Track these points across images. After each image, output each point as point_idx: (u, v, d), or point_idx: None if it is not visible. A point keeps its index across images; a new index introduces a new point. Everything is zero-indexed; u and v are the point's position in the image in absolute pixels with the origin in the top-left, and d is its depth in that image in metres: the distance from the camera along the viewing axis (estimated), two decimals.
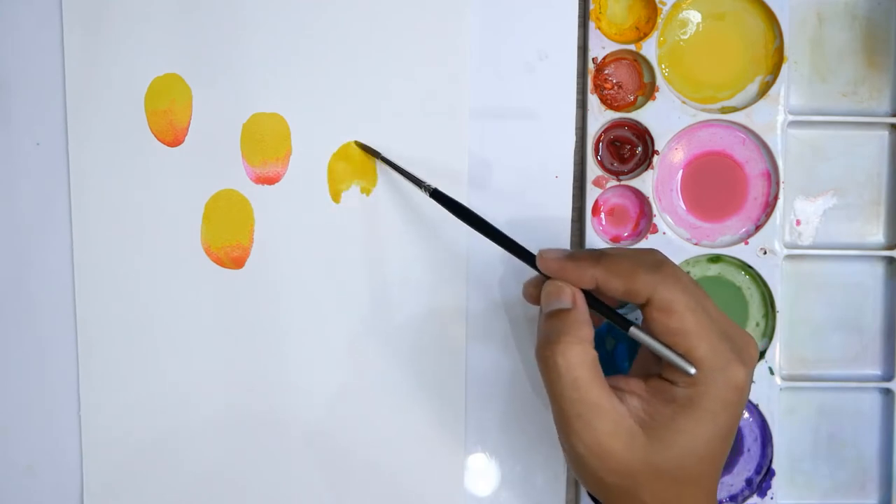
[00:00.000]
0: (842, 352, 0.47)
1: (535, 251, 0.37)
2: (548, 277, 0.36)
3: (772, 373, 0.46)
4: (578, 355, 0.34)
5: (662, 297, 0.33)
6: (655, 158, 0.45)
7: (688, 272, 0.46)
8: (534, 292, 0.38)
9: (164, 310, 0.45)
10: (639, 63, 0.45)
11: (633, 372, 0.38)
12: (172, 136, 0.44)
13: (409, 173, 0.42)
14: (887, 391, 0.46)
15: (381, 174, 0.44)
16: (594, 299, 0.36)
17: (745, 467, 0.47)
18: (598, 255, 0.35)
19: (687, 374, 0.32)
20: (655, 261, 0.35)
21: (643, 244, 0.45)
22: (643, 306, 0.34)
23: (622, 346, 0.46)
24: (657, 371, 0.35)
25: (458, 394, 0.45)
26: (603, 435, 0.33)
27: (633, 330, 0.34)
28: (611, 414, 0.33)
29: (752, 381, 0.35)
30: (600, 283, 0.35)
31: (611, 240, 0.46)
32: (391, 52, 0.44)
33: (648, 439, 0.33)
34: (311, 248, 0.45)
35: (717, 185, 0.46)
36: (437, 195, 0.40)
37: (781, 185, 0.45)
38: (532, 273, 0.38)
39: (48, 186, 0.44)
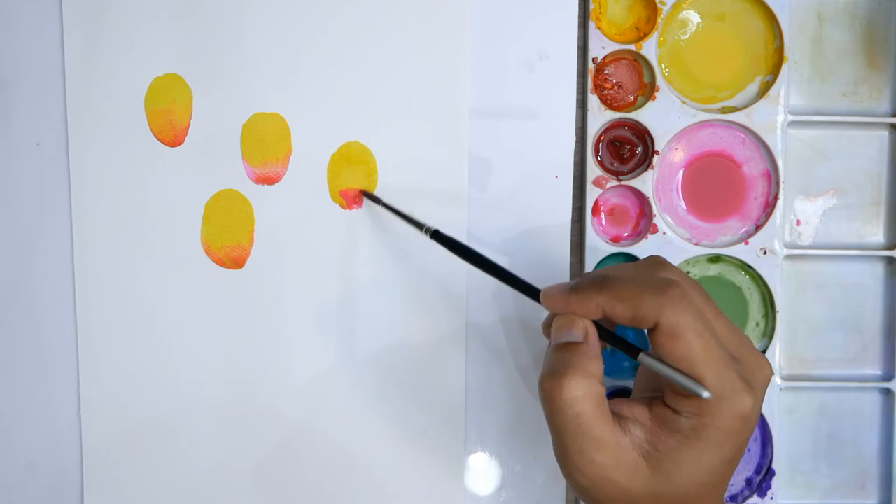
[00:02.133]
0: (842, 352, 0.47)
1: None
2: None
3: (772, 373, 0.46)
4: (584, 390, 0.32)
5: (668, 321, 0.32)
6: (655, 158, 0.45)
7: (688, 272, 0.46)
8: (548, 331, 0.36)
9: (164, 310, 0.45)
10: (639, 63, 0.45)
11: (636, 391, 0.37)
12: (172, 136, 0.44)
13: (409, 217, 0.42)
14: (887, 391, 0.46)
15: (382, 175, 0.44)
16: (601, 329, 0.35)
17: (745, 467, 0.47)
18: (601, 283, 0.33)
19: (700, 397, 0.31)
20: (661, 281, 0.33)
21: (643, 244, 0.45)
22: (650, 331, 0.33)
23: None
24: (660, 394, 0.34)
25: (458, 394, 0.45)
26: (605, 469, 0.33)
27: (642, 356, 0.33)
28: (613, 449, 0.33)
29: (761, 404, 0.33)
30: (606, 312, 0.33)
31: (611, 240, 0.46)
32: (391, 52, 0.44)
33: (652, 471, 0.33)
34: (311, 249, 0.45)
35: (717, 185, 0.46)
36: (437, 236, 0.39)
37: (781, 185, 0.45)
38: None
39: (48, 186, 0.44)
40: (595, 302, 0.33)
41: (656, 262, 0.35)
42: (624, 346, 0.34)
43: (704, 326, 0.32)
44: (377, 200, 0.44)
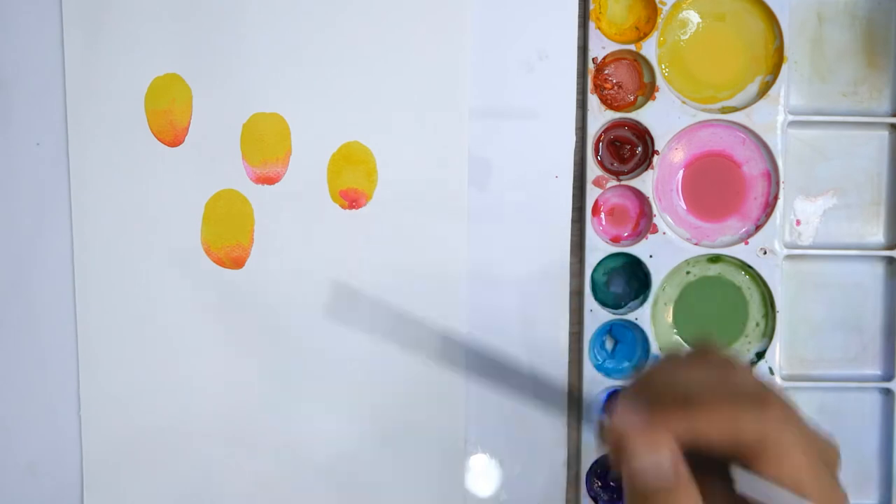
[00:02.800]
0: (842, 352, 0.47)
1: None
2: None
3: (772, 373, 0.46)
4: None
5: (775, 441, 0.27)
6: (655, 158, 0.45)
7: (687, 272, 0.46)
8: (615, 444, 0.29)
9: (163, 309, 0.45)
10: (639, 63, 0.45)
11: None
12: (172, 136, 0.44)
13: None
14: (887, 391, 0.46)
15: (382, 175, 0.44)
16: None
17: None
18: (680, 401, 0.28)
19: None
20: (758, 395, 0.29)
21: (643, 244, 0.45)
22: (746, 455, 0.28)
23: (622, 346, 0.46)
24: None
25: (458, 394, 0.45)
26: None
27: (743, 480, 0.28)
28: None
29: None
30: (695, 439, 0.28)
31: (611, 240, 0.46)
32: (391, 52, 0.44)
33: None
34: (311, 249, 0.45)
35: (717, 185, 0.46)
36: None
37: (781, 185, 0.45)
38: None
39: (48, 186, 0.44)
40: (681, 428, 0.28)
41: (710, 355, 0.30)
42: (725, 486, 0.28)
43: (808, 442, 0.28)
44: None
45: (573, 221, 0.45)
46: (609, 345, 0.46)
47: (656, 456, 0.28)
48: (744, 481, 0.27)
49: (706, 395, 0.29)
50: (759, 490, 0.27)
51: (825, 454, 0.29)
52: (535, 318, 0.45)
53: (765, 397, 0.29)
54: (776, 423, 0.28)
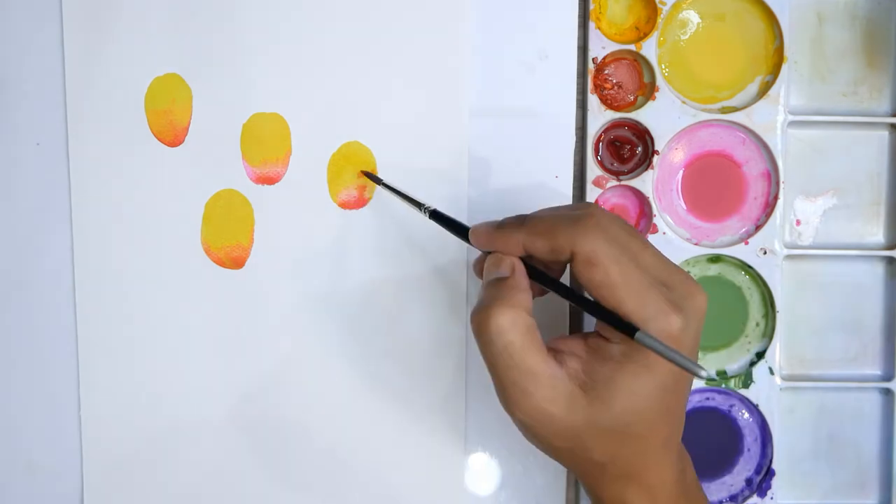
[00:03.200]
0: (842, 352, 0.47)
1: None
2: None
3: (772, 373, 0.46)
4: (510, 320, 0.33)
5: (583, 249, 0.32)
6: (655, 158, 0.45)
7: (687, 272, 0.46)
8: (479, 269, 0.37)
9: (164, 310, 0.45)
10: (639, 63, 0.45)
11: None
12: (172, 136, 0.44)
13: (409, 196, 0.42)
14: (887, 391, 0.46)
15: (382, 174, 0.44)
16: (558, 284, 0.35)
17: (745, 467, 0.47)
18: (522, 220, 0.35)
19: (699, 377, 0.31)
20: (575, 214, 0.33)
21: None
22: (570, 263, 0.33)
23: None
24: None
25: (458, 394, 0.45)
26: (541, 401, 0.33)
27: (639, 335, 0.31)
28: (547, 379, 0.33)
29: (694, 331, 0.33)
30: (527, 248, 0.34)
31: None
32: (391, 52, 0.44)
33: (588, 400, 0.33)
34: (311, 249, 0.45)
35: (717, 185, 0.46)
36: (435, 215, 0.40)
37: (781, 185, 0.45)
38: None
39: (48, 186, 0.44)
40: (516, 238, 0.34)
41: (581, 203, 0.36)
42: (554, 286, 0.35)
43: (621, 252, 0.32)
44: (378, 181, 0.43)
45: None
46: None
47: (498, 256, 0.35)
48: (641, 338, 0.31)
49: (539, 216, 0.34)
50: (645, 341, 0.31)
51: (649, 268, 0.33)
52: (535, 317, 0.45)
53: (586, 217, 0.33)
54: (587, 235, 0.32)
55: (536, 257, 0.34)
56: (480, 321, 0.33)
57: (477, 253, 0.38)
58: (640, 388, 0.33)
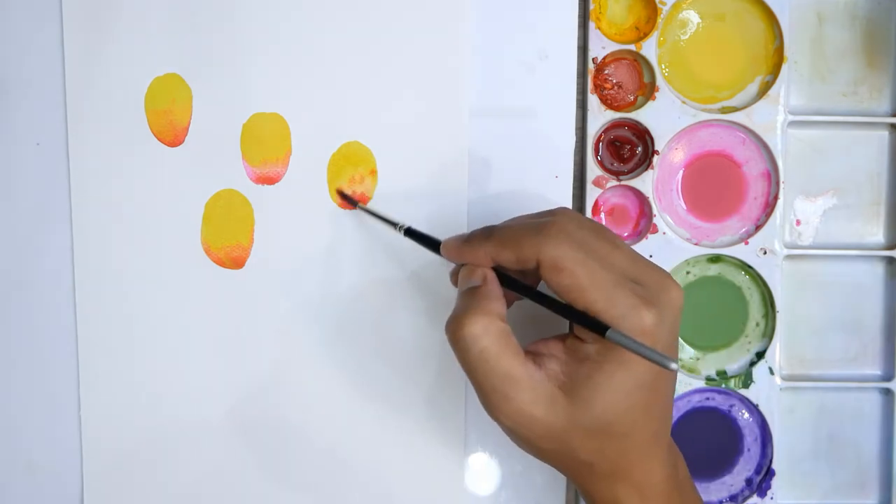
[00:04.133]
0: (842, 352, 0.47)
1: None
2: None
3: (772, 373, 0.46)
4: (483, 327, 0.33)
5: (548, 256, 0.33)
6: (655, 158, 0.45)
7: (687, 272, 0.46)
8: (455, 280, 0.38)
9: (164, 310, 0.45)
10: (639, 63, 0.45)
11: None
12: (172, 136, 0.44)
13: (384, 217, 0.42)
14: (887, 391, 0.46)
15: (382, 175, 0.44)
16: (512, 280, 0.36)
17: (745, 467, 0.47)
18: (489, 230, 0.35)
19: (668, 369, 0.31)
20: (538, 223, 0.34)
21: (643, 244, 0.45)
22: (539, 271, 0.33)
23: None
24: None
25: (457, 394, 0.45)
26: (522, 404, 0.33)
27: (610, 333, 0.32)
28: (526, 382, 0.33)
29: (670, 326, 0.33)
30: (494, 258, 0.35)
31: None
32: (391, 52, 0.44)
33: (569, 401, 0.33)
34: (311, 249, 0.45)
35: (717, 185, 0.46)
36: (410, 233, 0.40)
37: (781, 185, 0.45)
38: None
39: (48, 186, 0.44)
40: (484, 250, 0.35)
41: (549, 210, 0.36)
42: (526, 291, 0.35)
43: (586, 255, 0.33)
44: (354, 203, 0.44)
45: None
46: None
47: (470, 267, 0.36)
48: (611, 335, 0.32)
49: (505, 227, 0.35)
50: (616, 338, 0.31)
51: (618, 267, 0.33)
52: (535, 317, 0.45)
53: (549, 224, 0.34)
54: (550, 242, 0.33)
55: (506, 267, 0.35)
56: (455, 330, 0.34)
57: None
58: (618, 386, 0.33)
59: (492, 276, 0.35)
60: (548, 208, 0.37)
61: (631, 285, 0.33)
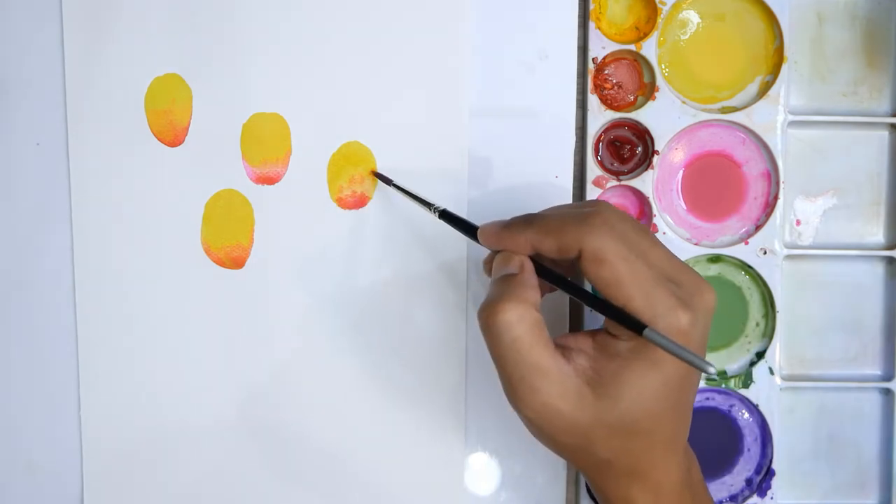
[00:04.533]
0: (842, 352, 0.47)
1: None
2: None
3: (772, 373, 0.46)
4: (518, 315, 0.33)
5: (591, 246, 0.32)
6: (655, 158, 0.45)
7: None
8: (489, 268, 0.37)
9: (164, 310, 0.45)
10: (639, 63, 0.45)
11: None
12: (172, 136, 0.44)
13: (418, 196, 0.41)
14: (887, 391, 0.46)
15: (382, 174, 0.44)
16: (563, 280, 0.35)
17: (745, 467, 0.47)
18: (530, 219, 0.35)
19: (706, 372, 0.31)
20: (583, 212, 0.34)
21: None
22: (579, 261, 0.33)
23: None
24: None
25: (458, 394, 0.45)
26: (549, 397, 0.33)
27: (647, 332, 0.32)
28: (555, 375, 0.33)
29: (703, 328, 0.33)
30: (535, 246, 0.34)
31: None
32: (391, 52, 0.44)
33: (596, 397, 0.33)
34: (311, 249, 0.45)
35: (717, 185, 0.46)
36: (445, 215, 0.40)
37: (781, 185, 0.45)
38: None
39: (48, 186, 0.44)
40: (524, 237, 0.34)
41: (589, 201, 0.36)
42: (562, 283, 0.35)
43: (629, 250, 0.32)
44: (388, 182, 0.43)
45: None
46: None
47: (506, 254, 0.35)
48: (649, 334, 0.31)
49: (547, 215, 0.35)
50: (653, 338, 0.31)
51: (671, 275, 0.33)
52: (559, 310, 0.45)
53: (593, 215, 0.33)
54: (594, 233, 0.32)
55: (545, 255, 0.34)
56: (488, 316, 0.33)
57: (484, 252, 0.38)
58: (647, 385, 0.33)
59: (529, 264, 0.35)
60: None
61: (669, 285, 0.33)
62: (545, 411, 0.33)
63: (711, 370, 0.30)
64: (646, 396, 0.33)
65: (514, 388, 0.33)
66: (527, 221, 0.35)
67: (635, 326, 0.32)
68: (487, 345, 0.34)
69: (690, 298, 0.33)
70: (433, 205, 0.40)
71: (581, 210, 0.34)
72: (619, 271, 0.32)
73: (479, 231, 0.37)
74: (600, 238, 0.32)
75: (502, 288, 0.34)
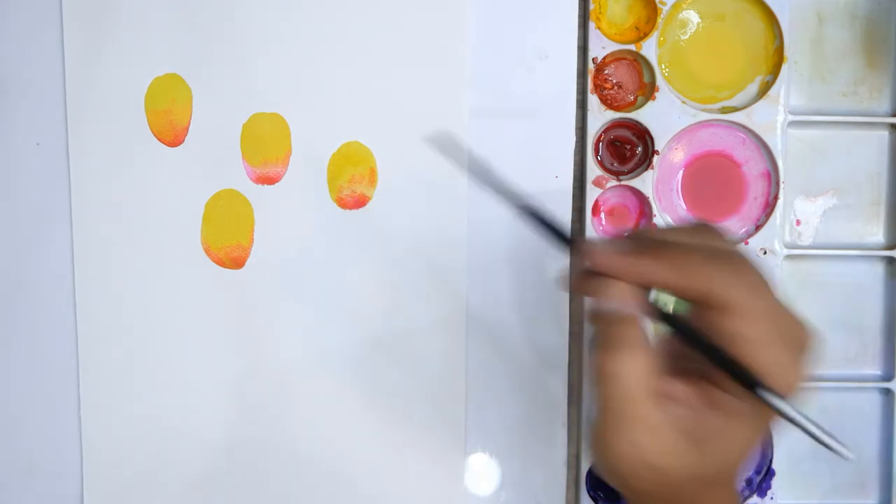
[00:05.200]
0: (842, 352, 0.47)
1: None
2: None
3: None
4: (639, 368, 0.30)
5: (724, 295, 0.29)
6: (655, 158, 0.45)
7: None
8: (579, 285, 0.33)
9: (164, 310, 0.45)
10: (639, 63, 0.45)
11: (668, 358, 0.32)
12: (172, 136, 0.44)
13: (505, 189, 0.33)
14: (887, 391, 0.46)
15: (382, 175, 0.44)
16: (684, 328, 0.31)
17: (745, 467, 0.47)
18: (655, 247, 0.31)
19: (845, 458, 0.28)
20: (716, 248, 0.30)
21: None
22: (699, 306, 0.30)
23: None
24: (695, 365, 0.31)
25: (458, 394, 0.45)
26: (648, 454, 0.30)
27: (785, 410, 0.29)
28: (660, 430, 0.30)
29: (806, 371, 0.31)
30: (649, 278, 0.30)
31: None
32: (391, 53, 0.44)
33: (691, 449, 0.30)
34: (311, 249, 0.45)
35: (717, 185, 0.46)
36: (533, 216, 0.33)
37: (781, 185, 0.45)
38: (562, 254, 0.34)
39: (48, 186, 0.44)
40: (641, 268, 0.30)
41: (704, 225, 0.32)
42: (670, 321, 0.31)
43: (763, 304, 0.29)
44: (478, 171, 0.35)
45: (573, 222, 0.45)
46: None
47: (622, 287, 0.30)
48: (765, 396, 0.29)
49: (668, 242, 0.31)
50: (789, 414, 0.29)
51: (791, 331, 0.30)
52: (536, 318, 0.45)
53: (740, 262, 0.30)
54: (746, 286, 0.29)
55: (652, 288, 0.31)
56: (608, 364, 0.30)
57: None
58: (744, 438, 0.31)
59: (643, 300, 0.31)
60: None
61: (788, 336, 0.30)
62: (637, 465, 0.31)
63: (850, 456, 0.28)
64: (737, 450, 0.31)
65: (610, 437, 0.31)
66: (654, 252, 0.30)
67: (748, 382, 0.29)
68: (598, 389, 0.31)
69: (801, 347, 0.30)
70: (520, 200, 0.33)
71: (709, 243, 0.31)
72: (751, 329, 0.29)
73: (582, 249, 0.31)
74: (735, 287, 0.29)
75: (620, 331, 0.30)
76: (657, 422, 0.30)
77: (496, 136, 0.45)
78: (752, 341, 0.29)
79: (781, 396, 0.29)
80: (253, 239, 0.45)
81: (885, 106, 0.46)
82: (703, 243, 0.31)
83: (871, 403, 0.47)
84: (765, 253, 0.45)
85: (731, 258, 0.30)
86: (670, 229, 0.33)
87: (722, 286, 0.29)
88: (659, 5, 0.44)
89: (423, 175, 0.44)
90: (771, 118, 0.45)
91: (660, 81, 0.45)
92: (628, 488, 0.32)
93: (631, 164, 0.46)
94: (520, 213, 0.33)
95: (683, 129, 0.45)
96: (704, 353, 0.30)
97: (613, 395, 0.30)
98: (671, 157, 0.46)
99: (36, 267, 0.44)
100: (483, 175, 0.34)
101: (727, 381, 0.30)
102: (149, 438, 0.45)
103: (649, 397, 0.30)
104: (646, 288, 0.31)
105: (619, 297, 0.31)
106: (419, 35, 0.44)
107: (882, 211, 0.47)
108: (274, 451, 0.45)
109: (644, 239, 0.32)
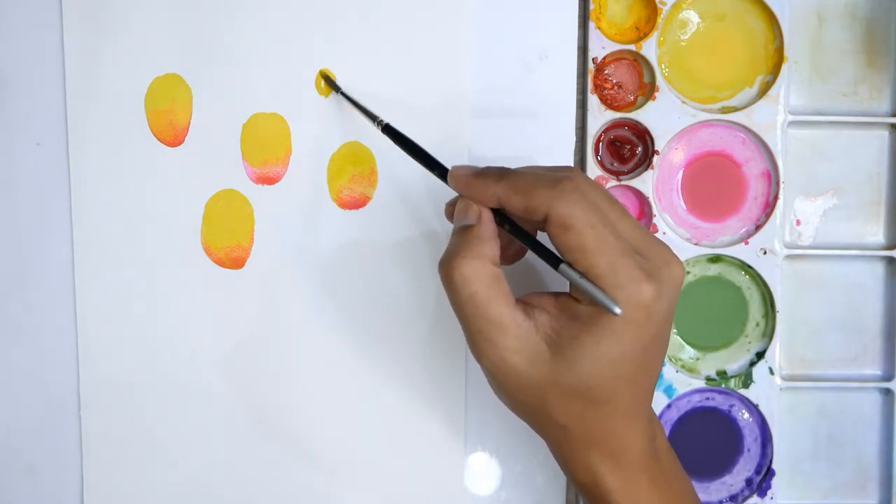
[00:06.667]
0: (842, 352, 0.47)
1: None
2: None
3: (772, 373, 0.46)
4: (476, 270, 0.33)
5: (559, 212, 0.32)
6: (655, 158, 0.45)
7: (688, 272, 0.46)
8: (450, 211, 0.38)
9: (164, 310, 0.45)
10: (639, 63, 0.45)
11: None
12: (172, 136, 0.44)
13: (363, 108, 0.41)
14: (887, 391, 0.46)
15: (382, 175, 0.44)
16: (520, 230, 0.35)
17: (745, 467, 0.47)
18: (503, 172, 0.35)
19: (612, 313, 0.31)
20: (556, 177, 0.34)
21: None
22: (545, 224, 0.33)
23: None
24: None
25: (458, 394, 0.45)
26: (506, 352, 0.33)
27: (563, 267, 0.33)
28: (513, 330, 0.33)
29: (668, 302, 0.33)
30: (501, 200, 0.34)
31: None
32: (391, 52, 0.44)
33: (553, 357, 0.33)
34: (311, 249, 0.45)
35: (717, 185, 0.46)
36: (388, 130, 0.39)
37: (781, 185, 0.45)
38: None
39: (48, 186, 0.44)
40: (493, 189, 0.34)
41: (563, 166, 0.36)
42: (538, 248, 0.34)
43: (598, 218, 0.32)
44: (336, 88, 0.43)
45: None
46: None
47: (467, 203, 0.35)
48: (563, 266, 0.33)
49: (521, 173, 0.35)
50: (567, 274, 0.33)
51: (633, 243, 0.33)
52: (528, 275, 0.45)
53: (565, 180, 0.33)
54: (564, 199, 0.32)
55: (510, 212, 0.35)
56: (447, 271, 0.34)
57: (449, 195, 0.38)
58: (604, 352, 0.33)
59: (487, 215, 0.35)
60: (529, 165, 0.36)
61: (636, 257, 0.33)
62: (502, 365, 0.34)
63: (617, 311, 0.31)
64: (602, 364, 0.33)
65: (473, 340, 0.34)
66: (499, 175, 0.35)
67: (553, 262, 0.33)
68: (448, 298, 0.34)
69: (657, 271, 0.33)
70: (376, 117, 0.40)
71: (554, 174, 0.34)
72: (585, 239, 0.32)
73: (449, 174, 0.36)
74: (570, 205, 0.32)
75: (460, 241, 0.34)
76: (512, 323, 0.33)
77: (496, 136, 0.45)
78: (591, 252, 0.32)
79: (562, 261, 0.33)
80: (253, 239, 0.45)
81: (885, 106, 0.46)
82: (549, 173, 0.34)
83: (871, 403, 0.47)
84: (765, 253, 0.45)
85: (571, 181, 0.33)
86: (532, 166, 0.36)
87: (562, 205, 0.32)
88: (659, 5, 0.44)
89: (423, 175, 0.44)
90: (771, 118, 0.45)
91: (660, 81, 0.45)
92: (503, 393, 0.35)
93: (631, 165, 0.46)
94: (381, 130, 0.39)
95: (683, 129, 0.45)
96: (523, 241, 0.35)
97: (460, 301, 0.34)
98: (671, 157, 0.46)
99: (36, 267, 0.44)
100: (349, 98, 0.42)
101: (579, 292, 0.33)
102: (149, 439, 0.45)
103: (496, 298, 0.33)
104: (497, 208, 0.35)
105: (472, 216, 0.35)
106: (419, 35, 0.44)
107: (882, 211, 0.47)
108: (274, 451, 0.45)
109: (501, 169, 0.35)
